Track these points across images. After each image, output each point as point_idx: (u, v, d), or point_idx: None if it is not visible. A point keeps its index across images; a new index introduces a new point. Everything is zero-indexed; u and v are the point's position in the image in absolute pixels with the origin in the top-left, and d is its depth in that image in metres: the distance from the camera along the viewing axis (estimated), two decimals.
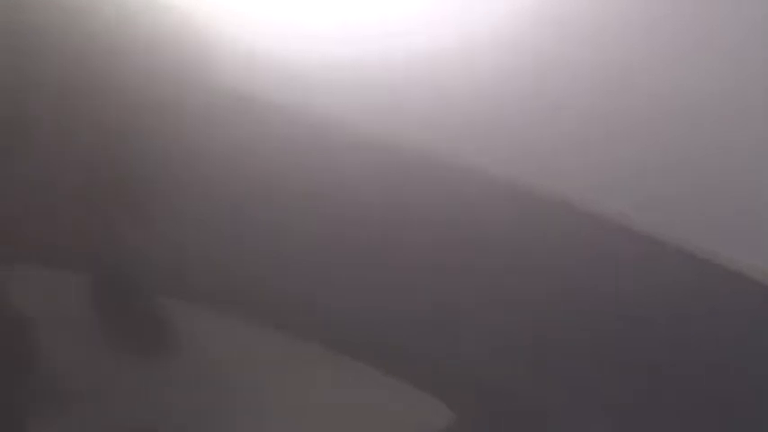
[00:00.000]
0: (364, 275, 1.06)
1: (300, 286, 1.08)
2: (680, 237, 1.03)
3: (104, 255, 1.07)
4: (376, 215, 1.07)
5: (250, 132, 1.04)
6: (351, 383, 1.05)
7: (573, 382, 1.02)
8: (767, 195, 1.02)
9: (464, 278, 1.07)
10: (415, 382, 1.03)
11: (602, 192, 1.03)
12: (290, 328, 1.07)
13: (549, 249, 1.06)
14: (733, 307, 1.05)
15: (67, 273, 1.08)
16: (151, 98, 0.93)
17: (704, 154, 1.05)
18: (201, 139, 0.98)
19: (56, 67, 0.91)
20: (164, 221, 1.07)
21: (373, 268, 1.07)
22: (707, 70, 1.04)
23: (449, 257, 1.07)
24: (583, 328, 1.04)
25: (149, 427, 1.06)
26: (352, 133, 1.05)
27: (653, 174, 1.04)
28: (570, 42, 1.02)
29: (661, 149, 1.06)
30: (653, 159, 1.06)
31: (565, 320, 1.04)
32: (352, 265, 1.08)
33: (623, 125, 1.05)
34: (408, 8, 1.02)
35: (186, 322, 1.10)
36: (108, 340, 1.10)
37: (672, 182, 1.05)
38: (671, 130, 1.06)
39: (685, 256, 1.03)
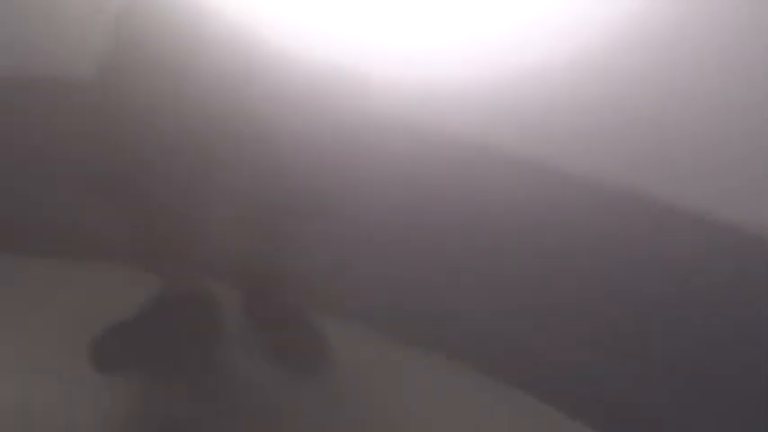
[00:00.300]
0: (506, 292, 1.06)
1: (451, 306, 1.08)
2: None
3: (262, 272, 1.10)
4: (515, 229, 1.07)
5: (403, 155, 1.05)
6: (495, 402, 1.06)
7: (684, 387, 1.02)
8: None
9: (577, 286, 1.08)
10: (547, 398, 1.04)
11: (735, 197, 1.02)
12: (439, 348, 1.07)
13: (659, 254, 1.06)
14: None
15: (227, 288, 1.12)
16: (309, 126, 0.95)
17: None
18: (357, 162, 0.99)
19: (232, 101, 0.95)
20: (321, 242, 1.10)
21: (508, 283, 1.07)
22: None
23: (561, 267, 1.07)
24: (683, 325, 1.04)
25: None
26: (487, 151, 1.04)
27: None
28: (681, 47, 1.01)
29: None
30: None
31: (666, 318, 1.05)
32: (494, 281, 1.08)
33: (743, 128, 1.05)
34: (521, 22, 1.02)
35: (340, 339, 1.11)
36: (264, 354, 1.13)
37: None
38: None
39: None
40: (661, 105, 1.08)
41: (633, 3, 1.01)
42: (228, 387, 1.11)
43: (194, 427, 1.07)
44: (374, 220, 1.06)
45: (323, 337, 1.13)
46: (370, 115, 0.96)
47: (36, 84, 0.99)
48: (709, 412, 1.05)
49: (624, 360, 1.07)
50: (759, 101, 1.05)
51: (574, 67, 1.02)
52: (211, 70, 0.93)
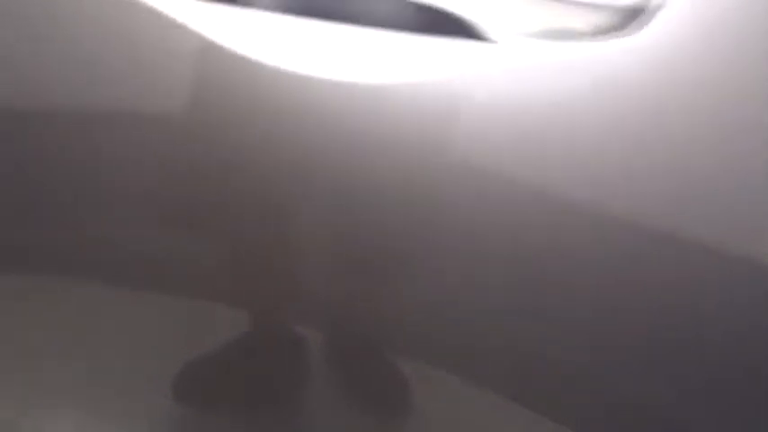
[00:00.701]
0: (585, 341, 1.04)
1: (538, 357, 1.06)
2: None
3: (345, 313, 1.10)
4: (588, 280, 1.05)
5: (484, 203, 1.04)
6: None
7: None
8: None
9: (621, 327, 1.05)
10: None
11: None
12: (520, 393, 1.07)
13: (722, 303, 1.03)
14: None
15: (309, 329, 1.12)
16: (396, 170, 0.96)
17: None
18: (439, 205, 0.99)
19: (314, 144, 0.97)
20: (406, 285, 1.09)
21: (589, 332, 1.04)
22: None
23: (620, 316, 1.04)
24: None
25: None
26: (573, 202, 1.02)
27: None
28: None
29: None
30: None
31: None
32: (589, 336, 1.06)
33: None
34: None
35: (425, 385, 1.11)
36: (347, 395, 1.14)
37: None
38: None
39: None
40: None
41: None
42: (310, 427, 1.13)
43: None
44: (462, 269, 1.04)
45: (406, 380, 1.11)
46: (454, 165, 0.95)
47: (116, 117, 1.00)
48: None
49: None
50: None
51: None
52: (299, 107, 0.94)
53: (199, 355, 1.11)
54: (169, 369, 1.10)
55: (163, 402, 1.11)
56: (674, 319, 0.99)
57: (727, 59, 0.92)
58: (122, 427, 1.12)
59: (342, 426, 1.12)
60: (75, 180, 1.06)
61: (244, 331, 1.10)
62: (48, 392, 1.13)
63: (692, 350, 0.99)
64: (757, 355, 0.96)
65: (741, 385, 0.98)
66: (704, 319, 0.98)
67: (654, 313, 1.00)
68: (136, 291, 1.10)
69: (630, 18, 0.91)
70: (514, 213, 1.01)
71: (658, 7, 0.90)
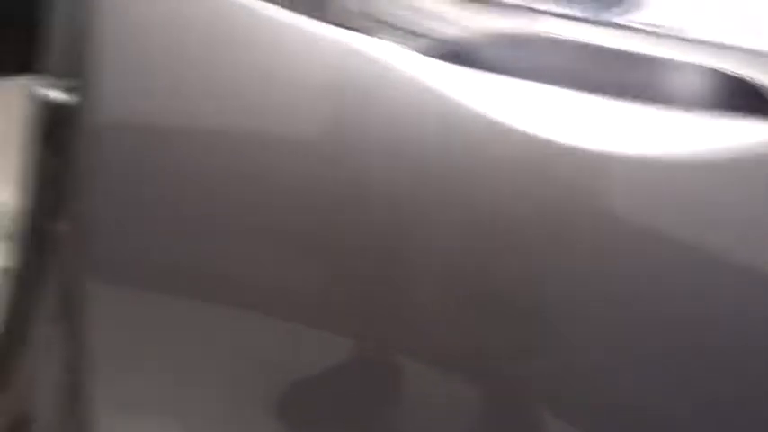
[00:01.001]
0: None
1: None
2: None
3: (499, 369, 1.06)
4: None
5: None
6: None
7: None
8: None
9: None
10: None
11: None
12: None
13: None
14: None
15: (459, 379, 1.09)
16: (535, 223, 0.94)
17: None
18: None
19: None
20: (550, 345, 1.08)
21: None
22: None
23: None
24: None
25: None
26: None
27: None
28: None
29: None
30: None
31: None
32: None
33: None
34: None
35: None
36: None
37: None
38: None
39: None
40: None
41: None
42: None
43: None
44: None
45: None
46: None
47: (256, 139, 1.01)
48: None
49: None
50: None
51: None
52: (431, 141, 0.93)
53: (305, 376, 1.12)
54: (275, 389, 1.11)
55: (266, 421, 1.12)
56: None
57: None
58: None
59: None
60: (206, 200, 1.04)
61: (351, 357, 1.11)
62: (144, 402, 1.14)
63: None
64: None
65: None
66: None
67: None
68: (250, 313, 1.11)
69: None
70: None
71: None
